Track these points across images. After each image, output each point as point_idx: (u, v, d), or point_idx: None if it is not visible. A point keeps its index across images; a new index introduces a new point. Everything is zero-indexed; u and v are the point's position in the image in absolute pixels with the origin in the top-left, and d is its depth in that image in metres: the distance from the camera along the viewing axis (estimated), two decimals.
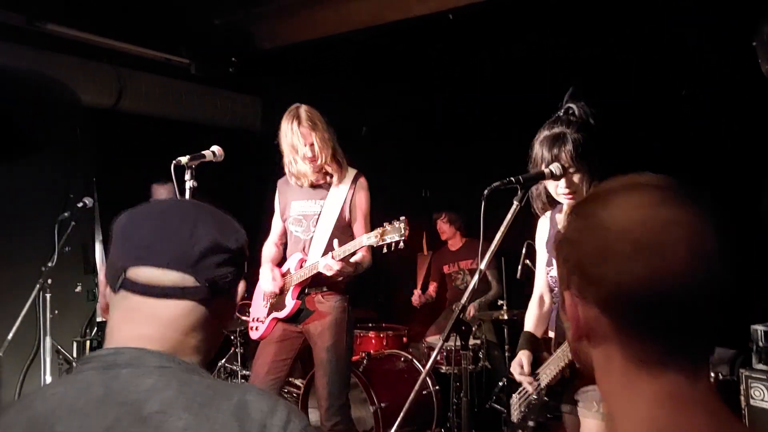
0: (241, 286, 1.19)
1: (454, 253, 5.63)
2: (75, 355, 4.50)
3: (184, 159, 2.74)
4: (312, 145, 3.19)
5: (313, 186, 3.32)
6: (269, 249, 3.52)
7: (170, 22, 5.11)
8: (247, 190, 5.24)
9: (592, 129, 2.37)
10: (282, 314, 3.30)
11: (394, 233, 2.97)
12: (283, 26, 5.19)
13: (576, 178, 2.36)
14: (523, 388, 2.58)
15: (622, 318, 0.84)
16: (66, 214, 4.27)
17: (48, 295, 4.13)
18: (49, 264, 4.10)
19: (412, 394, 2.56)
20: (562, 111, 2.46)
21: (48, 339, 4.19)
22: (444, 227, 5.66)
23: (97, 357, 1.06)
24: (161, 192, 4.54)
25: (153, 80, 5.31)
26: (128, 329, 1.08)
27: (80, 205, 4.36)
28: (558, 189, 2.40)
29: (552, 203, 2.59)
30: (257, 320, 3.45)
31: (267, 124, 5.88)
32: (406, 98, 5.92)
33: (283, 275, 3.38)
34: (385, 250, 3.03)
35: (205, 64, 5.49)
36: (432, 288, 5.71)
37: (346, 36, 4.94)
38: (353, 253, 3.10)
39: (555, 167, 2.45)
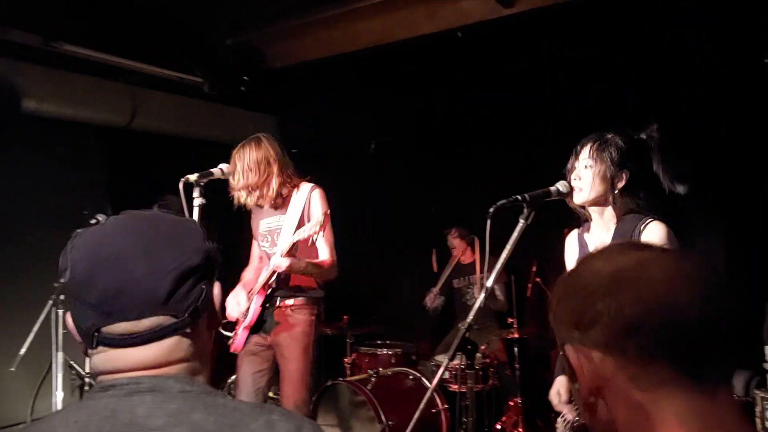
0: (216, 290, 1.12)
1: (465, 267, 5.62)
2: (87, 370, 4.52)
3: (192, 177, 2.78)
4: (256, 187, 3.32)
5: (276, 204, 3.43)
6: (248, 274, 3.61)
7: (183, 41, 5.18)
8: None
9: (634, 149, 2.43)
10: (247, 322, 3.38)
11: (316, 225, 3.10)
12: (294, 45, 5.25)
13: (588, 173, 2.40)
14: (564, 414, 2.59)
15: (624, 350, 0.85)
16: (79, 231, 4.29)
17: (60, 311, 4.15)
18: (62, 280, 4.11)
19: (417, 412, 2.56)
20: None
21: (60, 354, 4.21)
22: (455, 242, 5.67)
23: (117, 385, 1.01)
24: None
25: (166, 99, 5.38)
26: (125, 370, 1.02)
27: (93, 221, 4.38)
28: (572, 181, 2.46)
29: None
30: (233, 333, 3.52)
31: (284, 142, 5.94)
32: (415, 115, 5.96)
33: (249, 292, 3.45)
34: (310, 242, 3.18)
35: (217, 83, 5.55)
36: (438, 298, 5.68)
37: (355, 54, 4.99)
38: (294, 247, 3.24)
39: (561, 185, 2.48)
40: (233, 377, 4.80)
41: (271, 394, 4.48)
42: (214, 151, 3.61)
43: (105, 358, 1.03)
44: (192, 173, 2.81)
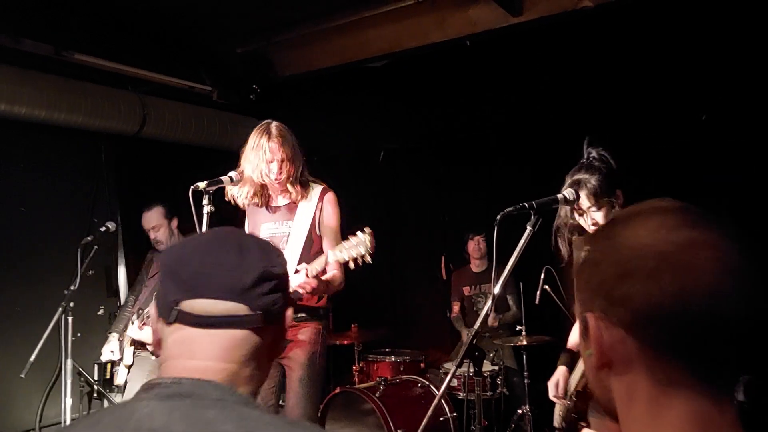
0: (290, 312, 1.20)
1: (477, 275, 5.58)
2: (96, 377, 4.55)
3: (202, 184, 2.78)
4: (281, 161, 3.05)
5: (280, 207, 3.20)
6: None
7: (193, 50, 5.23)
8: None
9: (611, 169, 2.58)
10: None
11: (360, 246, 2.77)
12: (304, 54, 5.29)
13: (599, 215, 2.53)
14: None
15: (649, 338, 0.80)
16: (89, 238, 4.34)
17: (70, 318, 4.17)
18: (72, 287, 4.15)
19: (425, 419, 2.57)
20: (584, 158, 2.64)
21: (69, 361, 4.23)
22: (482, 246, 5.57)
23: (160, 385, 1.06)
24: (148, 216, 4.49)
25: (176, 107, 5.41)
26: (184, 360, 1.09)
27: (103, 229, 4.44)
28: (589, 227, 2.57)
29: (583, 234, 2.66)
30: None
31: None
32: (424, 124, 5.97)
33: None
34: (352, 266, 2.85)
35: (227, 92, 5.59)
36: (457, 307, 5.65)
37: (364, 63, 5.02)
38: (324, 271, 2.96)
39: (568, 192, 2.52)
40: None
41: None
42: (224, 159, 3.62)
43: (178, 338, 1.10)
44: (201, 181, 2.82)
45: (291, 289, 2.89)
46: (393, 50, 4.82)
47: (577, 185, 2.55)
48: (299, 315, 3.11)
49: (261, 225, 3.24)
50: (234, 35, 5.21)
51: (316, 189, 3.19)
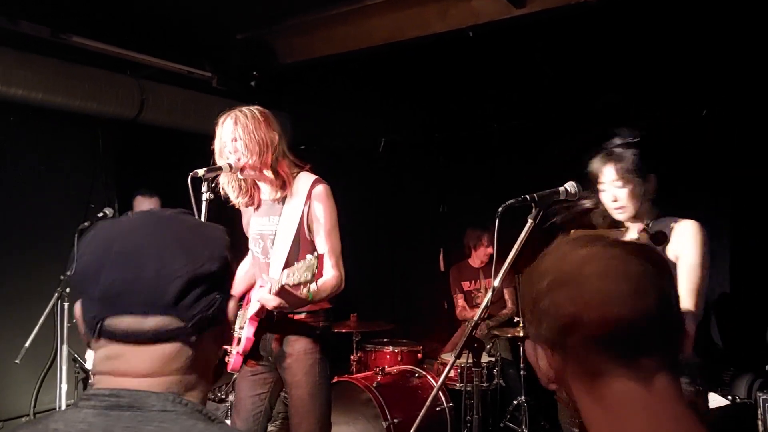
0: (232, 305, 1.09)
1: (477, 270, 5.56)
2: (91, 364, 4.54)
3: (200, 171, 2.75)
4: (237, 140, 2.73)
5: (267, 201, 2.93)
6: (240, 271, 3.13)
7: (193, 35, 5.18)
8: None
9: (644, 150, 2.57)
10: (240, 348, 2.83)
11: (308, 272, 2.39)
12: (304, 42, 5.24)
13: (623, 192, 2.54)
14: None
15: (569, 345, 0.94)
16: (86, 224, 4.33)
17: (66, 304, 4.17)
18: (68, 273, 4.14)
19: (423, 410, 2.56)
20: (619, 138, 2.63)
21: (65, 348, 4.23)
22: (489, 252, 5.39)
23: (98, 396, 0.99)
24: (144, 205, 4.43)
25: (175, 93, 5.37)
26: (117, 378, 1.00)
27: (100, 215, 4.42)
28: (609, 204, 2.59)
29: (615, 223, 2.65)
30: (229, 351, 2.99)
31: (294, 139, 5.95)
32: (425, 113, 5.95)
33: (245, 304, 2.94)
34: (304, 292, 2.48)
35: (227, 78, 5.55)
36: (461, 301, 5.59)
37: (366, 52, 4.98)
38: (282, 288, 2.55)
39: (570, 185, 2.50)
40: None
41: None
42: None
43: (105, 354, 1.01)
44: (200, 168, 2.79)
45: (254, 301, 2.67)
46: (395, 39, 4.78)
47: (609, 157, 2.56)
48: (287, 320, 2.85)
49: (251, 218, 3.01)
50: (234, 21, 5.16)
51: (305, 181, 2.84)
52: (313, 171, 2.93)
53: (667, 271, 0.97)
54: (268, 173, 2.83)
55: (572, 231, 2.77)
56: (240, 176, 2.83)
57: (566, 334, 0.93)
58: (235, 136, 2.74)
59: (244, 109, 2.82)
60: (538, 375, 1.01)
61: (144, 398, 0.97)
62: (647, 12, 4.25)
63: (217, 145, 2.82)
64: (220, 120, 2.83)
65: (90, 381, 4.43)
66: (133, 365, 0.99)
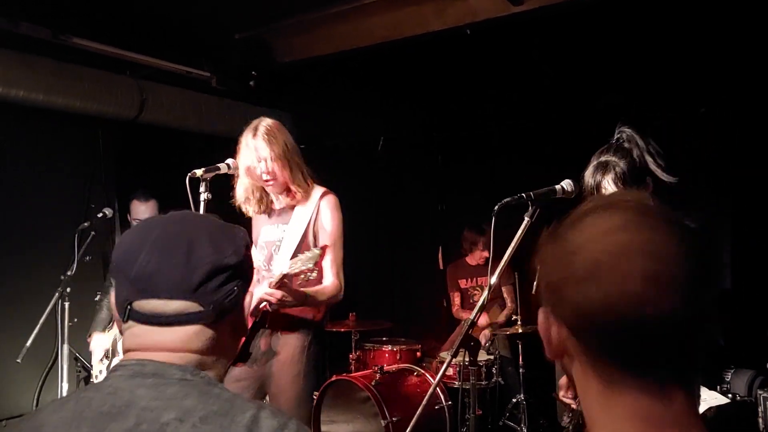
0: (248, 298, 1.22)
1: (474, 268, 5.57)
2: (92, 363, 4.55)
3: (199, 171, 2.77)
4: (269, 159, 2.83)
5: (279, 209, 3.01)
6: None
7: (192, 36, 5.19)
8: None
9: (641, 152, 2.42)
10: None
11: (310, 261, 2.53)
12: (303, 41, 5.25)
13: None
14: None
15: (586, 341, 0.85)
16: (86, 224, 4.33)
17: (67, 304, 4.17)
18: (69, 273, 4.15)
19: (420, 408, 2.57)
20: (614, 138, 2.48)
21: (66, 347, 4.23)
22: (485, 255, 5.40)
23: (125, 365, 1.11)
24: (141, 209, 4.39)
25: (175, 93, 5.38)
26: (142, 352, 1.13)
27: (100, 215, 4.43)
28: None
29: None
30: None
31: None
32: (423, 111, 5.95)
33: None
34: (299, 281, 2.63)
35: (226, 78, 5.56)
36: (458, 299, 5.61)
37: (365, 50, 4.99)
38: (282, 282, 2.64)
39: (566, 183, 2.51)
40: None
41: None
42: (222, 146, 3.59)
43: (132, 333, 1.13)
44: (199, 168, 2.81)
45: (255, 299, 2.69)
46: (392, 38, 4.79)
47: (603, 168, 2.40)
48: (279, 324, 2.87)
49: (261, 228, 3.07)
50: (233, 21, 5.17)
51: (316, 192, 2.95)
52: (312, 170, 3.02)
53: (713, 273, 0.86)
54: (291, 186, 2.92)
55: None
56: (257, 184, 2.93)
57: (591, 329, 0.84)
58: (263, 155, 2.83)
59: (267, 125, 2.90)
60: (546, 348, 0.93)
61: (166, 368, 1.10)
62: (647, 10, 4.26)
63: (246, 155, 2.88)
64: (259, 132, 2.87)
65: (92, 375, 4.44)
66: (157, 341, 1.12)
